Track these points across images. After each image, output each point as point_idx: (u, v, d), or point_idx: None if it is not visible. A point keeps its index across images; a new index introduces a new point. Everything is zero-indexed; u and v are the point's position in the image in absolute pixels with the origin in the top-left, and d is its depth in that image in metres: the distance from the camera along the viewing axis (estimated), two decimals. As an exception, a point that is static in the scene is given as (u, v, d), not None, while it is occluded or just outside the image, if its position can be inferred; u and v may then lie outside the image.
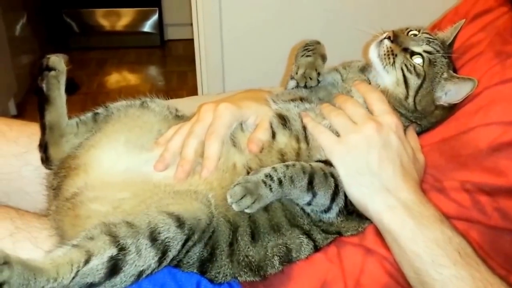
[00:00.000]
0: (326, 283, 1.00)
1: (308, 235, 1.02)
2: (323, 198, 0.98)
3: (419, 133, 1.12)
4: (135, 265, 0.86)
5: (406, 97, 1.09)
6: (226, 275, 0.99)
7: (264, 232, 1.00)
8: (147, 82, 4.35)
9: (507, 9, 1.17)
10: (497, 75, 1.03)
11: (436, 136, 1.09)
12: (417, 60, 1.09)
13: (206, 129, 1.05)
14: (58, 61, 1.10)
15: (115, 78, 4.34)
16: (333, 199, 0.99)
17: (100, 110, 1.16)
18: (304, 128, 1.07)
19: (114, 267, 0.85)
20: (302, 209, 1.02)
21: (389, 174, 0.97)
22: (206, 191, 1.00)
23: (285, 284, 1.01)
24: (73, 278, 0.83)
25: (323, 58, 1.20)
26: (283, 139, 1.06)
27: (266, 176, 0.94)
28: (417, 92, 1.08)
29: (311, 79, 1.15)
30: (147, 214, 0.91)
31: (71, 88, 3.83)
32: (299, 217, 1.02)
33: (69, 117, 1.14)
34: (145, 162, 1.05)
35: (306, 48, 1.22)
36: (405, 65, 1.09)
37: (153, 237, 0.88)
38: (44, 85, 1.10)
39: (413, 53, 1.10)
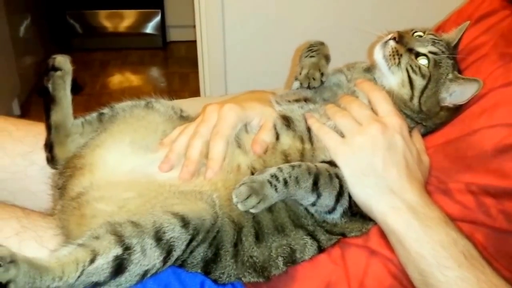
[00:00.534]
0: (330, 284, 1.00)
1: (312, 235, 1.02)
2: (327, 198, 0.98)
3: (424, 134, 1.12)
4: (140, 265, 0.87)
5: (411, 98, 1.09)
6: (230, 275, 0.99)
7: (268, 232, 1.00)
8: (149, 83, 4.36)
9: (511, 12, 1.17)
10: (501, 77, 1.03)
11: (441, 138, 1.09)
12: (422, 61, 1.09)
13: (211, 130, 1.05)
14: (64, 61, 1.11)
15: (117, 79, 4.35)
16: (337, 200, 0.99)
17: (105, 110, 1.16)
18: (309, 129, 1.07)
19: (119, 267, 0.85)
20: (306, 209, 1.02)
21: (394, 176, 0.97)
22: (211, 192, 1.00)
23: (288, 285, 1.01)
24: (79, 277, 0.83)
25: (327, 58, 1.20)
26: (287, 140, 1.06)
27: (272, 176, 0.94)
28: (422, 93, 1.09)
29: (314, 79, 1.15)
30: (152, 214, 0.92)
31: (74, 88, 3.78)
32: (303, 217, 1.02)
33: (74, 117, 1.14)
34: (150, 163, 1.05)
35: (310, 49, 1.22)
36: (410, 65, 1.09)
37: (158, 237, 0.88)
38: (50, 85, 1.10)
39: (418, 54, 1.10)
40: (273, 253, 1.00)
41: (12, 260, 0.78)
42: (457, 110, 1.09)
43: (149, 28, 4.75)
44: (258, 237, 1.00)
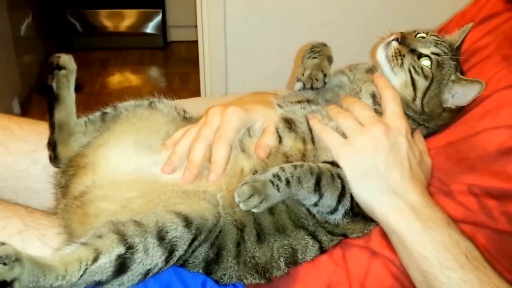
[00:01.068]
0: (331, 285, 1.00)
1: (314, 236, 1.02)
2: (329, 199, 0.98)
3: (426, 136, 1.12)
4: (143, 264, 0.87)
5: (414, 99, 1.09)
6: (232, 277, 0.99)
7: (269, 233, 1.00)
8: (149, 83, 4.36)
9: None
10: (504, 79, 1.03)
11: (443, 139, 1.09)
12: (425, 62, 1.09)
13: (214, 133, 1.05)
14: (68, 60, 1.11)
15: (117, 79, 4.35)
16: (339, 200, 0.99)
17: (108, 109, 1.16)
18: (310, 129, 1.07)
19: (122, 266, 0.85)
20: (308, 210, 1.02)
21: (396, 177, 0.97)
22: (215, 192, 1.00)
23: (289, 286, 1.01)
24: (81, 276, 0.83)
25: (329, 60, 1.20)
26: (289, 142, 1.06)
27: (274, 176, 0.94)
28: (424, 94, 1.09)
29: (317, 80, 1.15)
30: (155, 213, 0.92)
31: (74, 88, 3.81)
32: (303, 218, 1.02)
33: (77, 116, 1.14)
34: (153, 163, 1.05)
35: (312, 50, 1.22)
36: (413, 66, 1.09)
37: (161, 236, 0.88)
38: (54, 84, 1.10)
39: (421, 55, 1.10)
40: (275, 253, 1.00)
41: (17, 259, 0.78)
42: (459, 111, 1.10)
43: (150, 28, 4.75)
44: (260, 238, 1.00)
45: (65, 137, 1.12)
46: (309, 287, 1.01)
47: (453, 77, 1.09)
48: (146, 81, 4.40)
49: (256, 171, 1.02)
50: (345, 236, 1.04)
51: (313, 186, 0.96)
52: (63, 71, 1.10)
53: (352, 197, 1.00)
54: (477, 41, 1.19)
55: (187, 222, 0.90)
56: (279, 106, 1.14)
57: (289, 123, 1.08)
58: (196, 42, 2.66)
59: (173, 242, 0.89)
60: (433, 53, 1.10)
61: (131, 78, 4.41)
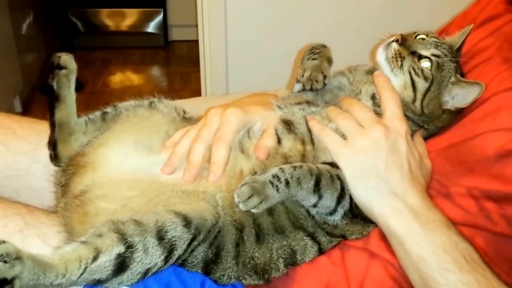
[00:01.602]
0: (329, 286, 1.00)
1: (313, 237, 1.02)
2: (329, 200, 0.98)
3: (425, 138, 1.12)
4: (142, 263, 0.87)
5: (414, 101, 1.09)
6: (231, 277, 0.99)
7: (269, 234, 1.01)
8: (150, 83, 4.36)
9: None
10: (505, 81, 1.03)
11: (443, 142, 1.09)
12: (425, 63, 1.09)
13: (213, 134, 1.05)
14: (69, 59, 1.11)
15: (119, 78, 4.36)
16: (338, 201, 0.99)
17: (108, 109, 1.17)
18: (310, 130, 1.07)
19: (121, 265, 0.86)
20: (307, 211, 1.02)
21: (396, 178, 0.97)
22: (215, 192, 1.00)
23: (288, 286, 1.01)
24: (81, 274, 0.83)
25: (329, 61, 1.20)
26: (288, 143, 1.06)
27: (274, 176, 0.94)
28: (424, 95, 1.09)
29: (317, 81, 1.15)
30: (154, 212, 0.92)
31: (76, 86, 3.81)
32: (302, 219, 1.02)
33: (78, 116, 1.14)
34: (153, 163, 1.05)
35: (312, 51, 1.22)
36: (413, 68, 1.09)
37: (160, 236, 0.88)
38: (54, 83, 1.10)
39: (421, 57, 1.10)
40: (274, 254, 1.00)
41: (18, 257, 0.79)
42: (459, 113, 1.10)
43: (151, 27, 4.76)
44: (259, 238, 1.00)
45: (66, 136, 1.12)
46: (307, 287, 1.01)
47: (453, 79, 1.09)
48: (147, 81, 4.41)
49: (255, 172, 1.02)
50: (344, 237, 1.04)
51: (312, 187, 0.96)
52: (63, 71, 1.10)
53: (351, 198, 1.00)
54: (478, 43, 1.19)
55: (187, 222, 0.91)
56: (279, 107, 1.14)
57: (288, 124, 1.08)
58: (197, 41, 2.66)
59: (173, 241, 0.89)
60: (433, 55, 1.10)
61: (132, 77, 4.41)
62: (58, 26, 4.50)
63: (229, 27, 2.53)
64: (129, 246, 0.86)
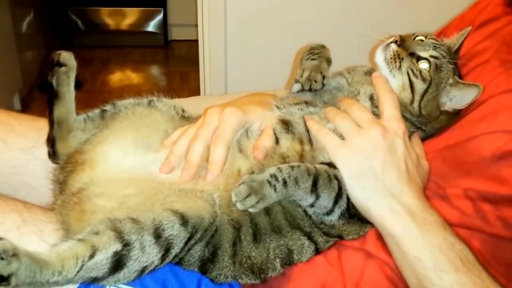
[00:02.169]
0: (325, 285, 1.00)
1: (309, 237, 1.03)
2: (326, 200, 0.98)
3: (423, 139, 1.13)
4: (139, 261, 0.87)
5: (412, 102, 1.10)
6: (227, 276, 0.99)
7: (266, 233, 1.01)
8: (149, 82, 4.36)
9: None
10: (502, 84, 1.03)
11: (440, 143, 1.09)
12: (423, 65, 1.09)
13: (212, 133, 1.05)
14: (69, 57, 1.11)
15: (118, 77, 4.36)
16: (336, 201, 0.99)
17: (107, 107, 1.17)
18: (308, 130, 1.07)
19: (118, 262, 0.86)
20: (304, 211, 1.02)
21: (393, 179, 0.97)
22: (212, 191, 1.00)
23: (284, 285, 1.01)
24: (78, 272, 0.84)
25: (328, 61, 1.20)
26: (286, 143, 1.06)
27: (271, 176, 0.94)
28: (422, 97, 1.09)
29: (316, 82, 1.15)
30: (152, 211, 0.92)
31: (75, 85, 3.81)
32: (299, 219, 1.02)
33: (77, 113, 1.14)
34: (152, 162, 1.05)
35: (311, 51, 1.22)
36: (411, 69, 1.09)
37: (157, 234, 0.88)
38: (54, 81, 1.10)
39: (419, 58, 1.10)
40: (271, 254, 1.00)
41: (14, 254, 0.79)
42: (456, 115, 1.10)
43: (151, 27, 4.76)
44: (256, 238, 1.00)
45: (64, 134, 1.12)
46: (303, 287, 1.01)
47: (451, 80, 1.09)
48: (147, 80, 4.41)
49: (253, 172, 1.02)
50: (340, 237, 1.04)
51: (310, 187, 0.96)
52: (63, 68, 1.10)
53: (348, 199, 1.00)
54: (476, 45, 1.19)
55: (184, 220, 0.91)
56: (277, 107, 1.14)
57: (286, 124, 1.08)
58: (196, 41, 2.66)
59: (170, 240, 0.89)
60: (431, 56, 1.10)
61: (132, 76, 4.42)
62: (58, 24, 4.50)
63: (229, 27, 2.53)
64: (126, 244, 0.86)
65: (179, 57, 4.68)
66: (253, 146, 1.05)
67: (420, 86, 1.09)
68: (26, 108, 3.51)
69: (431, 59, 1.09)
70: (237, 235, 0.99)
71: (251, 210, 0.94)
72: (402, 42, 1.12)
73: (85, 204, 0.98)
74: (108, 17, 4.71)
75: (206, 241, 0.97)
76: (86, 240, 0.87)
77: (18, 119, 1.27)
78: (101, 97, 3.78)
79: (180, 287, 0.95)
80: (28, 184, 1.23)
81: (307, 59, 1.21)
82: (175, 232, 0.89)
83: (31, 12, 3.85)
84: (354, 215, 1.02)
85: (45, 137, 1.14)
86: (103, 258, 0.85)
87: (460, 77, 1.12)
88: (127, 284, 0.91)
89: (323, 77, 1.16)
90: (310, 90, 1.16)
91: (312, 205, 0.99)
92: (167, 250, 0.89)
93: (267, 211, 1.01)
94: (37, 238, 0.99)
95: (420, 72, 1.09)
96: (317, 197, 0.97)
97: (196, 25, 2.62)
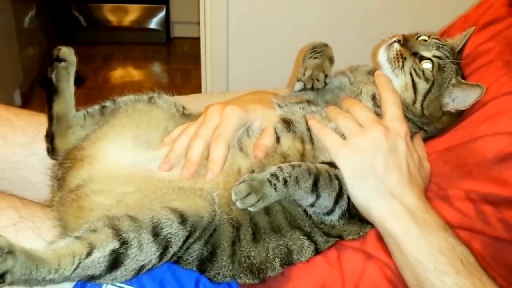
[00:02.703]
0: (324, 286, 1.00)
1: (309, 237, 1.02)
2: (327, 200, 0.97)
3: (425, 140, 1.12)
4: (137, 260, 0.87)
5: (414, 102, 1.09)
6: (226, 276, 0.99)
7: (265, 233, 1.00)
8: (151, 79, 4.36)
9: None
10: (506, 85, 1.03)
11: (442, 144, 1.09)
12: (426, 65, 1.08)
13: (212, 131, 1.04)
14: (69, 52, 1.11)
15: (120, 73, 4.35)
16: (336, 201, 0.98)
17: (107, 103, 1.16)
18: (309, 129, 1.06)
19: (115, 261, 0.85)
20: (304, 211, 1.02)
21: (394, 179, 0.96)
22: (212, 189, 1.00)
23: (283, 285, 1.01)
24: (75, 270, 0.83)
25: (331, 60, 1.19)
26: (287, 142, 1.06)
27: (272, 175, 0.94)
28: (425, 97, 1.08)
29: (318, 80, 1.14)
30: (150, 209, 0.92)
31: (76, 81, 3.81)
32: (299, 219, 1.02)
33: (77, 109, 1.14)
34: (151, 160, 1.05)
35: (313, 50, 1.22)
36: (414, 69, 1.08)
37: (155, 232, 0.88)
38: (53, 76, 1.10)
39: (422, 58, 1.09)
40: (270, 254, 1.00)
41: (10, 251, 0.79)
42: (459, 115, 1.09)
43: (153, 24, 4.76)
44: (256, 237, 1.00)
45: (63, 130, 1.11)
46: (302, 287, 1.01)
47: (453, 80, 1.08)
48: (148, 77, 4.40)
49: (253, 171, 1.01)
50: (340, 237, 1.03)
51: (310, 186, 0.95)
52: (63, 63, 1.09)
53: (349, 199, 0.99)
54: (479, 46, 1.18)
55: (182, 219, 0.90)
56: (279, 106, 1.13)
57: (287, 123, 1.07)
58: (199, 38, 2.66)
59: (168, 238, 0.88)
60: (434, 56, 1.09)
61: (134, 73, 4.41)
62: (60, 20, 4.50)
63: (231, 25, 2.53)
64: (124, 242, 0.86)
65: (181, 55, 4.68)
66: (254, 145, 1.04)
67: (422, 86, 1.08)
68: (26, 103, 3.51)
69: (434, 59, 1.09)
70: (236, 234, 0.99)
71: (250, 209, 0.94)
72: (405, 41, 1.11)
73: (83, 201, 0.97)
74: (111, 14, 4.71)
75: (205, 240, 0.97)
76: (83, 237, 0.86)
77: (17, 115, 1.26)
78: (103, 94, 3.77)
79: (178, 286, 0.95)
80: (27, 180, 1.22)
81: (310, 57, 1.20)
82: (174, 231, 0.89)
83: (33, 7, 3.84)
84: (354, 216, 1.01)
85: (44, 132, 1.14)
86: (100, 256, 0.84)
87: (463, 77, 1.12)
88: (125, 282, 0.90)
89: (325, 76, 1.15)
90: (312, 89, 1.16)
91: (312, 205, 0.99)
92: (165, 248, 0.89)
93: (267, 210, 1.00)
94: (34, 235, 0.98)
95: (423, 72, 1.08)
96: (318, 197, 0.96)
97: (199, 23, 2.61)
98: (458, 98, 1.08)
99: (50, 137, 1.12)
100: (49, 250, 0.84)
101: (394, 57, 1.11)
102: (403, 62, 1.10)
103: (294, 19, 2.52)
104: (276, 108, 1.13)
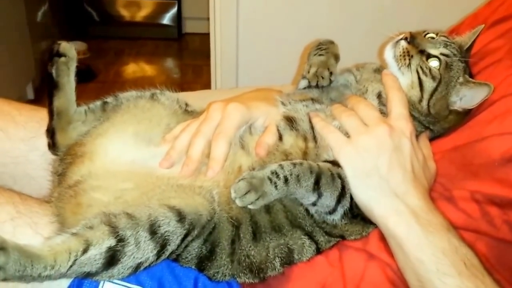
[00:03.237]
0: (325, 286, 0.99)
1: (311, 236, 1.01)
2: (328, 199, 0.96)
3: (431, 139, 1.10)
4: (133, 257, 0.86)
5: (420, 100, 1.07)
6: (225, 275, 0.98)
7: (265, 232, 0.99)
8: (162, 74, 4.38)
9: None
10: None
11: (448, 144, 1.07)
12: (434, 63, 1.07)
13: (214, 129, 1.04)
14: (68, 47, 1.10)
15: (131, 68, 4.38)
16: (338, 200, 0.97)
17: (109, 99, 1.16)
18: (313, 127, 1.05)
19: (112, 258, 0.85)
20: (306, 210, 1.00)
21: (398, 179, 0.95)
22: (211, 187, 0.99)
23: (283, 285, 1.00)
24: (71, 266, 0.83)
25: (336, 58, 1.18)
26: (289, 140, 1.04)
27: (272, 173, 0.93)
28: (431, 95, 1.06)
29: (323, 78, 1.13)
30: (148, 206, 0.91)
31: (88, 76, 3.87)
32: (300, 218, 1.01)
33: (79, 105, 1.14)
34: (152, 156, 1.04)
35: (319, 47, 1.20)
36: (421, 67, 1.07)
37: (153, 230, 0.87)
38: (53, 71, 1.09)
39: (429, 56, 1.07)
40: (270, 253, 0.99)
41: (2, 247, 0.78)
42: (466, 114, 1.07)
43: (166, 19, 4.79)
44: (256, 236, 0.99)
45: (64, 125, 1.11)
46: (303, 287, 1.00)
47: (461, 79, 1.06)
48: (160, 72, 4.42)
49: (253, 168, 1.00)
50: (342, 237, 1.02)
51: (312, 185, 0.94)
52: (62, 58, 1.09)
53: (351, 198, 0.98)
54: (488, 44, 1.16)
55: (181, 217, 0.89)
56: (283, 103, 1.12)
57: (290, 121, 1.06)
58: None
59: (165, 236, 0.88)
60: (442, 54, 1.07)
61: (145, 68, 4.44)
62: (73, 15, 4.53)
63: (241, 21, 2.54)
64: (120, 240, 0.85)
65: (192, 50, 4.70)
66: (256, 143, 1.03)
67: (429, 84, 1.06)
68: (39, 97, 3.54)
69: (442, 57, 1.07)
70: (236, 233, 0.98)
71: (250, 207, 0.93)
72: (412, 39, 1.09)
73: (81, 197, 0.97)
74: (123, 9, 4.74)
75: (204, 238, 0.96)
76: (80, 234, 0.86)
77: (19, 109, 1.26)
78: (114, 89, 3.73)
79: (176, 284, 0.95)
80: (28, 174, 1.23)
81: (315, 54, 1.19)
82: (171, 229, 0.88)
83: (46, 2, 3.87)
84: (357, 215, 1.00)
85: (45, 128, 1.13)
86: (97, 253, 0.84)
87: (471, 76, 1.10)
88: (123, 280, 0.90)
89: (331, 73, 1.14)
90: (317, 86, 1.14)
91: (314, 204, 0.97)
92: (162, 246, 0.88)
93: (268, 209, 0.99)
94: (31, 230, 0.98)
95: (430, 70, 1.06)
96: (320, 196, 0.95)
97: (209, 19, 2.62)
98: (465, 97, 1.06)
99: (51, 132, 1.12)
100: (45, 247, 0.84)
101: (400, 55, 1.09)
102: (409, 60, 1.08)
103: (304, 15, 2.52)
104: (280, 105, 1.11)
